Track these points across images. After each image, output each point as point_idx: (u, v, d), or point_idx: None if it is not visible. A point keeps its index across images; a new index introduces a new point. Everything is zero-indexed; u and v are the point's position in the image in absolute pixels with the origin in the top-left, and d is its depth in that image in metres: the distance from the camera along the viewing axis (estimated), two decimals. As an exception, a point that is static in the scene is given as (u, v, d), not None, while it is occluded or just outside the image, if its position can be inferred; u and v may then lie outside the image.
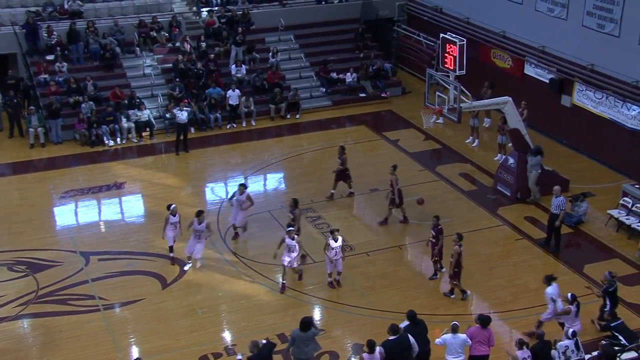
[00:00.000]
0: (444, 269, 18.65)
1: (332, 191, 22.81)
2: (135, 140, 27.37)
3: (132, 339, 16.82)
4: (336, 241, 18.07)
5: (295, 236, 18.27)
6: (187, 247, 19.20)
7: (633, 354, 15.01)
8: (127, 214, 22.73)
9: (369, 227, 21.55)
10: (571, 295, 15.97)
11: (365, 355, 13.88)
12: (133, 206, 23.23)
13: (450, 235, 18.37)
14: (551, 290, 16.14)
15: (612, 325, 16.21)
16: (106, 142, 27.05)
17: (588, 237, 20.86)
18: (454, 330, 14.65)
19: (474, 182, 24.12)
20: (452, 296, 17.96)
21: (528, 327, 16.78)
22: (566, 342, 14.77)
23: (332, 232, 18.37)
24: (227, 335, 16.96)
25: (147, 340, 16.77)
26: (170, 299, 18.20)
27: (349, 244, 20.38)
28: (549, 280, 16.24)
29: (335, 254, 18.10)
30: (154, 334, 16.93)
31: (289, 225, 18.55)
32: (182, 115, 26.30)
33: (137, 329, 17.20)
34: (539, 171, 21.94)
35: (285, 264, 18.19)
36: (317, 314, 17.54)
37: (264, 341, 14.44)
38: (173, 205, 19.38)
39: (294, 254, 18.17)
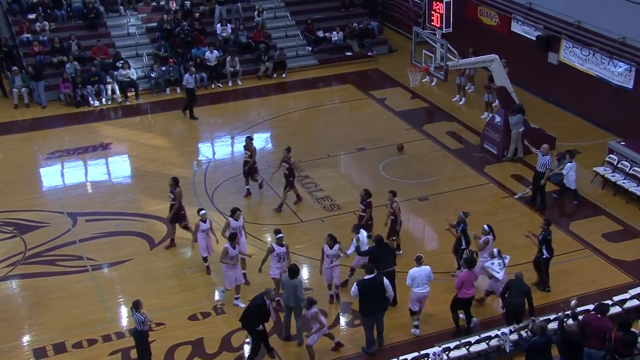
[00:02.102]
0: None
1: (247, 187, 20.77)
2: (121, 100, 27.07)
3: (121, 299, 16.80)
4: (331, 248, 15.98)
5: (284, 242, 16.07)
6: (200, 248, 17.34)
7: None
8: (113, 175, 22.57)
9: (356, 186, 21.47)
10: (487, 226, 16.35)
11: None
12: (120, 167, 23.05)
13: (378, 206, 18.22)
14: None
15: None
16: (91, 102, 26.74)
17: (574, 194, 20.90)
18: (418, 261, 15.28)
19: (461, 141, 24.07)
20: (400, 252, 17.89)
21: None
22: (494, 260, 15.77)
23: (330, 237, 16.06)
24: (215, 295, 16.96)
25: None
26: (159, 259, 18.16)
27: (336, 203, 20.35)
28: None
29: (331, 262, 16.07)
30: (143, 294, 16.78)
31: (277, 232, 16.15)
32: (192, 80, 25.81)
33: (125, 289, 17.17)
34: (521, 130, 21.88)
35: (277, 276, 16.11)
36: (305, 273, 17.50)
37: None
38: (203, 211, 17.20)
39: (284, 263, 16.00)
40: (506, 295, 15.06)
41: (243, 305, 15.63)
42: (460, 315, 15.53)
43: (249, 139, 20.57)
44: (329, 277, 16.20)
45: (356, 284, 14.75)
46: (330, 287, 16.43)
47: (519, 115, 21.83)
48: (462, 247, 16.53)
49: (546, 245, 16.51)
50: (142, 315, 14.05)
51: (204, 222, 17.05)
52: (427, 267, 15.37)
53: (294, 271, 14.93)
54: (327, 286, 16.41)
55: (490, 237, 16.27)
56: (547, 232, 16.49)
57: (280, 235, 15.97)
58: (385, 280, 14.81)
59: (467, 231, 16.62)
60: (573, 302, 14.51)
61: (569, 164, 19.98)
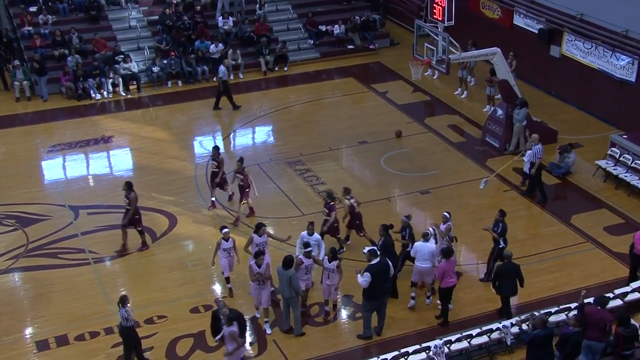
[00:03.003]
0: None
1: (212, 199, 19.93)
2: (123, 94, 27.11)
3: (123, 292, 16.80)
4: (329, 262, 15.37)
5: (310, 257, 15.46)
6: (222, 267, 16.54)
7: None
8: (115, 168, 22.62)
9: (358, 179, 21.54)
10: (447, 213, 16.66)
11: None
12: (121, 160, 23.10)
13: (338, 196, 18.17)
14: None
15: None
16: (93, 95, 26.77)
17: (575, 187, 20.94)
18: (425, 237, 15.71)
19: (463, 134, 24.09)
20: (349, 242, 18.15)
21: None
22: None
23: (331, 251, 15.55)
24: (217, 288, 17.02)
25: (138, 292, 16.80)
26: (160, 252, 18.21)
27: (338, 196, 20.38)
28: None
29: (328, 277, 15.46)
30: (145, 287, 16.98)
31: (307, 245, 15.50)
32: (225, 71, 25.78)
33: (127, 282, 17.25)
34: (524, 123, 21.89)
35: (303, 287, 15.51)
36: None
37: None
38: (226, 230, 16.35)
39: (310, 276, 15.63)
40: (497, 282, 15.36)
41: (269, 331, 15.37)
42: (428, 300, 16.15)
43: (216, 149, 19.80)
44: (327, 292, 15.65)
45: (367, 271, 14.69)
46: (327, 303, 15.85)
47: (525, 109, 21.85)
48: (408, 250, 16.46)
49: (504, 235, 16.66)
50: (126, 312, 14.02)
51: (226, 240, 16.20)
52: (432, 245, 15.74)
53: (288, 262, 14.91)
54: (324, 301, 15.87)
55: (450, 223, 16.48)
56: (505, 223, 16.58)
57: (309, 249, 15.38)
58: (388, 261, 15.06)
59: (413, 235, 16.60)
60: (583, 293, 14.57)
61: (529, 150, 20.01)
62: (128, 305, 14.14)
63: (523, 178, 20.71)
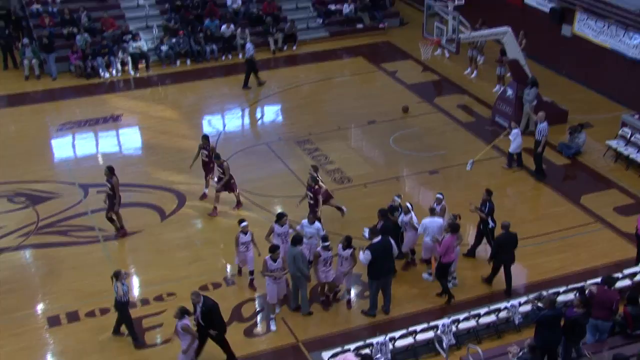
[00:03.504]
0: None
1: (205, 190, 19.42)
2: (132, 73, 27.13)
3: (132, 270, 16.98)
4: (344, 249, 15.12)
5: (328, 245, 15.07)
6: (241, 260, 16.20)
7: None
8: (124, 147, 22.69)
9: (367, 159, 21.55)
10: (440, 194, 16.76)
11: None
12: (130, 138, 23.17)
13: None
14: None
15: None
16: (102, 74, 26.81)
17: (586, 168, 20.89)
18: (432, 212, 15.97)
19: (472, 114, 24.03)
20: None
21: (523, 257, 16.96)
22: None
23: (346, 239, 15.24)
24: (226, 267, 17.12)
25: (147, 270, 16.95)
26: (169, 231, 18.30)
27: (347, 175, 20.43)
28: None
29: (341, 265, 15.18)
30: (153, 265, 17.09)
31: (324, 239, 15.11)
32: (253, 48, 25.87)
33: (136, 260, 17.37)
34: (534, 103, 21.81)
35: (322, 279, 15.43)
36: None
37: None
38: (244, 223, 15.88)
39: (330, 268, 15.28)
40: (497, 252, 15.63)
41: (274, 328, 15.07)
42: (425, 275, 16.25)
43: (206, 138, 19.22)
44: (337, 278, 15.45)
45: (368, 250, 14.85)
46: (331, 290, 15.63)
47: (535, 89, 21.76)
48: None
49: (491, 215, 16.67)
50: (117, 287, 14.17)
51: (245, 234, 15.80)
52: (440, 220, 15.91)
53: (295, 239, 14.99)
54: (325, 285, 15.60)
55: (445, 204, 16.60)
56: (492, 203, 16.60)
57: (327, 243, 14.99)
58: (391, 240, 15.17)
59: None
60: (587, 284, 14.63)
61: (514, 130, 20.06)
62: (123, 280, 14.29)
63: (508, 159, 20.62)
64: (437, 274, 15.73)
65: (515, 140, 20.23)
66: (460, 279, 16.20)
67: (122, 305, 14.47)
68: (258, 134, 23.28)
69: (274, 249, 14.77)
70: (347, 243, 15.15)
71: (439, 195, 16.69)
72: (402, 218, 16.20)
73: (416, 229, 16.04)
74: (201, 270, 16.87)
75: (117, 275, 14.28)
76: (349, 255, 15.14)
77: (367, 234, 16.06)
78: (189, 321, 13.40)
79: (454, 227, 15.41)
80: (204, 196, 19.39)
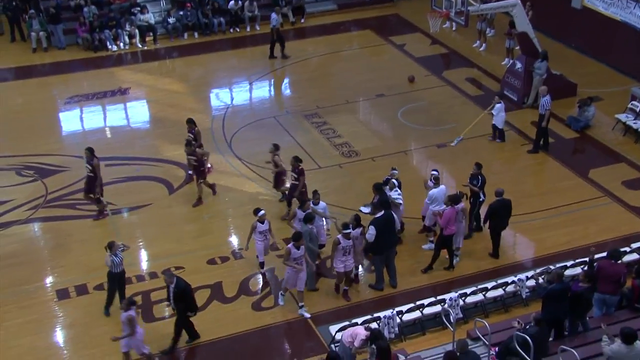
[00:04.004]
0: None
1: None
2: (140, 45, 27.02)
3: (140, 243, 17.02)
4: (354, 229, 14.70)
5: (351, 231, 14.57)
6: (257, 251, 15.59)
7: None
8: (132, 120, 22.66)
9: (375, 132, 21.45)
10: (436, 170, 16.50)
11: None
12: (138, 112, 23.13)
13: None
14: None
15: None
16: (109, 47, 26.71)
17: (594, 141, 20.74)
18: (437, 180, 16.04)
19: (481, 87, 23.86)
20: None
21: (530, 231, 16.93)
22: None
23: (356, 219, 14.89)
24: (233, 240, 17.14)
25: (155, 244, 16.98)
26: (177, 204, 18.31)
27: (355, 149, 20.36)
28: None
29: (345, 254, 14.67)
30: (162, 238, 17.12)
31: (346, 226, 14.53)
32: (278, 18, 25.75)
33: (144, 233, 17.38)
34: (544, 76, 21.61)
35: (342, 269, 14.87)
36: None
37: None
38: (262, 212, 15.28)
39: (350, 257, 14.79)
40: (490, 220, 15.77)
41: (308, 315, 14.68)
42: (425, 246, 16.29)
43: (190, 122, 18.60)
44: (358, 258, 15.21)
45: (371, 225, 14.82)
46: (342, 279, 15.07)
47: (545, 62, 21.55)
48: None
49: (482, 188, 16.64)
50: (110, 257, 14.21)
51: (262, 223, 15.29)
52: (444, 187, 16.02)
53: (308, 218, 14.95)
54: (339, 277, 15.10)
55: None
56: (483, 176, 16.53)
57: (349, 230, 14.49)
58: (394, 214, 15.20)
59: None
60: (592, 249, 14.57)
61: (497, 104, 19.90)
62: (118, 251, 14.36)
63: (493, 132, 20.47)
64: (437, 244, 15.76)
65: (498, 114, 20.06)
66: (467, 252, 16.15)
67: (112, 276, 14.49)
68: (266, 107, 23.17)
69: (297, 237, 14.30)
70: (357, 222, 14.88)
71: (434, 172, 16.39)
72: (388, 193, 15.94)
73: (397, 206, 15.90)
74: (209, 243, 16.89)
75: (111, 247, 14.29)
76: (359, 234, 14.95)
77: (366, 210, 16.09)
78: (134, 312, 13.19)
79: (453, 199, 15.39)
80: (208, 170, 18.79)
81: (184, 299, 13.71)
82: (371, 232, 14.81)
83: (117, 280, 14.63)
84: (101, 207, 17.73)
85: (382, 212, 15.02)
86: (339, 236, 14.56)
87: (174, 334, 13.98)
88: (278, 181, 17.74)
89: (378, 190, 15.77)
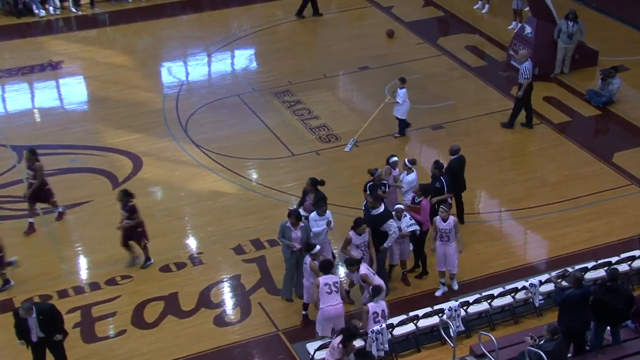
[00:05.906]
0: None
1: (30, 220, 17.38)
2: (73, 10, 26.90)
3: (79, 248, 16.96)
4: (360, 235, 14.79)
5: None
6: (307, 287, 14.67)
7: None
8: (66, 101, 22.57)
9: (358, 112, 21.53)
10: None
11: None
12: (73, 90, 23.04)
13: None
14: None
15: None
16: (36, 11, 26.60)
17: (619, 119, 20.98)
18: (413, 164, 16.48)
19: (483, 57, 24.05)
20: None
21: (544, 227, 17.09)
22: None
23: (356, 223, 14.86)
24: (191, 242, 17.15)
25: (98, 248, 16.89)
26: (123, 201, 18.28)
27: (334, 132, 20.43)
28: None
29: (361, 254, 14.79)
30: (106, 242, 17.00)
31: (357, 224, 14.84)
32: None
33: (84, 236, 17.31)
34: (582, 36, 21.87)
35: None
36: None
37: None
38: (318, 247, 14.39)
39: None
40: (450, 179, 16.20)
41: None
42: None
43: (31, 153, 17.08)
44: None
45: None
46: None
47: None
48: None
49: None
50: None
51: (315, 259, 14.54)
52: (413, 174, 16.34)
53: (290, 215, 15.04)
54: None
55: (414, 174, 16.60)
56: (445, 176, 16.30)
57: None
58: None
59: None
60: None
61: (401, 91, 19.69)
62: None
63: (399, 126, 20.29)
64: (417, 242, 15.62)
65: (403, 102, 19.79)
66: (470, 254, 16.26)
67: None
68: (228, 83, 23.16)
69: (358, 223, 14.65)
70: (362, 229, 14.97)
71: (407, 163, 16.41)
72: (397, 224, 15.72)
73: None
74: (163, 247, 16.80)
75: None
76: (368, 238, 14.95)
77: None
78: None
79: (424, 190, 15.59)
80: (31, 229, 17.36)
81: (54, 321, 13.29)
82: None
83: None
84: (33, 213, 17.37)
85: (382, 207, 15.09)
86: (351, 232, 14.82)
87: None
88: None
89: (372, 174, 16.07)
